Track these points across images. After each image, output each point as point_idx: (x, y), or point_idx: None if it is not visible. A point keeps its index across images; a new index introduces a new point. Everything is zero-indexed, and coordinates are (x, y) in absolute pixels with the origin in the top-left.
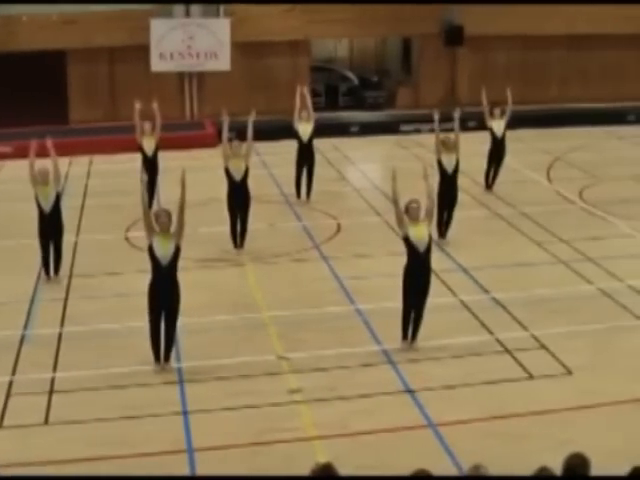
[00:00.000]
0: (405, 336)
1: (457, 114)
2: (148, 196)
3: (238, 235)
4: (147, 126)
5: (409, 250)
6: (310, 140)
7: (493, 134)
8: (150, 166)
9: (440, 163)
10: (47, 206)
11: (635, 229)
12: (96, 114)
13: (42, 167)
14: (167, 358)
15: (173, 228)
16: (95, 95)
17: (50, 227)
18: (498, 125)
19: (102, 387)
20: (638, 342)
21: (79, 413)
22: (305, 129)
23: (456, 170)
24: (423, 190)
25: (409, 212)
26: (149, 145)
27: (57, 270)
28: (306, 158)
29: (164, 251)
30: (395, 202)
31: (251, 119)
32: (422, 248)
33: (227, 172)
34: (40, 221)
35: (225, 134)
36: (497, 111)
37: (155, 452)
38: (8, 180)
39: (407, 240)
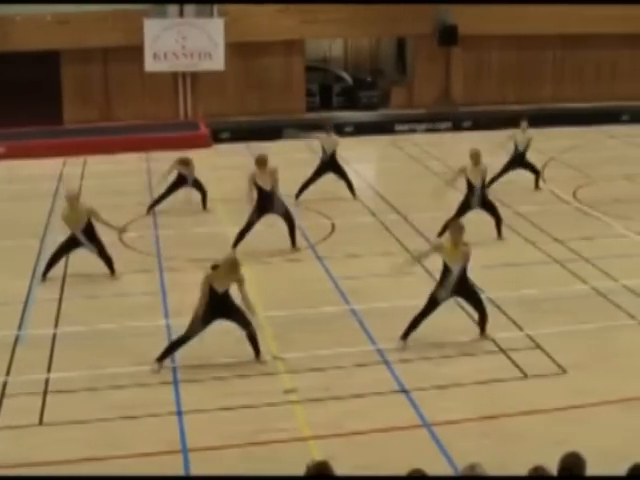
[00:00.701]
0: (406, 335)
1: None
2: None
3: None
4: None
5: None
6: (333, 154)
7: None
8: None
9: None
10: None
11: (629, 229)
12: (90, 114)
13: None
14: (258, 354)
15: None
16: (89, 95)
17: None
18: (522, 137)
19: (97, 387)
20: (632, 341)
21: (74, 414)
22: (330, 145)
23: (483, 182)
24: (416, 191)
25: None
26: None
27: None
28: (330, 169)
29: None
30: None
31: None
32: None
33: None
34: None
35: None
36: (524, 124)
37: (151, 452)
38: (1, 180)
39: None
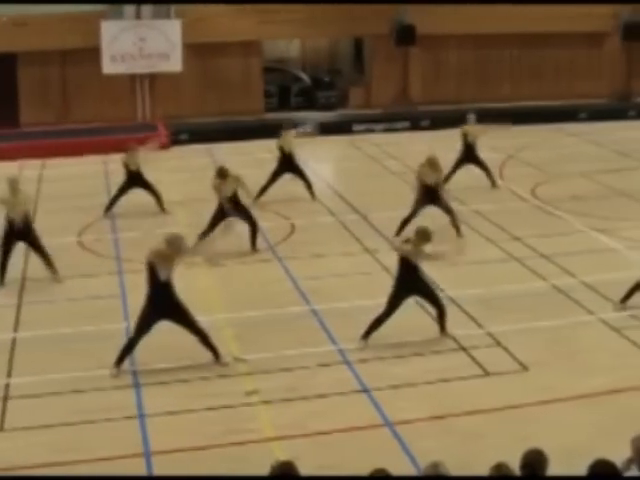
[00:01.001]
0: (367, 335)
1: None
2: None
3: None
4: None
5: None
6: (291, 154)
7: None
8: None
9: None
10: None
11: (587, 225)
12: (47, 117)
13: None
14: (217, 356)
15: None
16: (46, 98)
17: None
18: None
19: (58, 392)
20: (592, 337)
21: (35, 419)
22: (289, 144)
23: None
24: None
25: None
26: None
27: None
28: (288, 169)
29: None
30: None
31: None
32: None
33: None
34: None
35: None
36: (472, 116)
37: (114, 456)
38: None
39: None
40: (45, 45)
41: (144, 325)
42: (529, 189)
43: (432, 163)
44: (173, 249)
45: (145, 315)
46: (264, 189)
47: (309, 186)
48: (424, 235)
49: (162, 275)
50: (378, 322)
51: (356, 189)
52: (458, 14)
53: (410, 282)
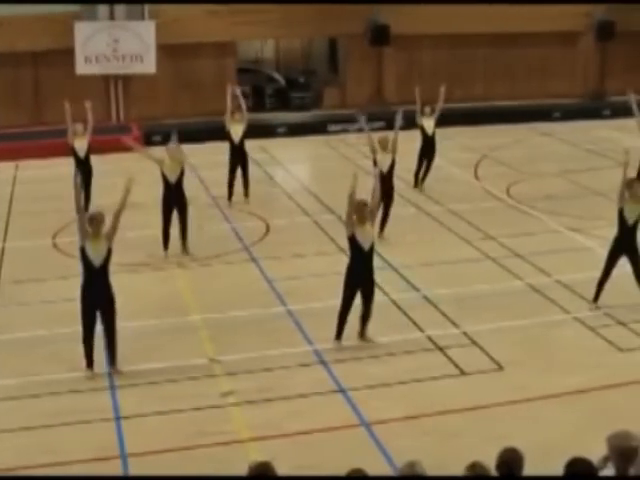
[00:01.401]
0: (339, 335)
1: (399, 115)
2: (83, 199)
3: (180, 238)
4: (79, 127)
5: (353, 249)
6: (242, 141)
7: (424, 132)
8: (83, 168)
9: (375, 162)
10: None
11: (562, 224)
12: (20, 119)
13: None
14: (113, 362)
15: (106, 230)
16: (19, 99)
17: None
18: (428, 123)
19: (31, 395)
20: (568, 336)
21: (9, 422)
22: (237, 130)
23: (392, 169)
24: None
25: (358, 212)
26: (81, 146)
27: None
28: (239, 159)
29: (97, 253)
30: (351, 201)
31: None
32: (367, 247)
33: (162, 175)
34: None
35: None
36: (427, 109)
37: (89, 459)
38: None
39: (353, 239)
40: (17, 46)
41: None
42: (504, 188)
43: (380, 142)
44: (95, 226)
45: (81, 305)
46: (230, 187)
47: (246, 183)
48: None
49: (94, 261)
50: (341, 318)
51: (331, 189)
52: (432, 14)
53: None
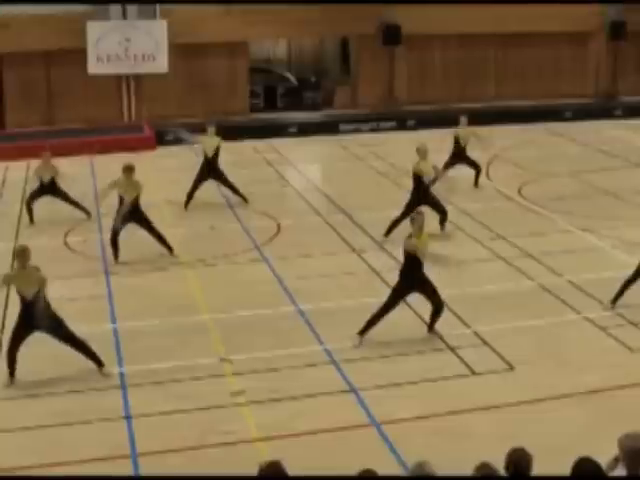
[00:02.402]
0: (364, 332)
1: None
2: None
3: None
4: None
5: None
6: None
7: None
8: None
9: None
10: None
11: (573, 225)
12: (33, 118)
13: None
14: (101, 363)
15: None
16: (32, 99)
17: None
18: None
19: (36, 395)
20: (578, 336)
21: (13, 421)
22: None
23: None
24: (362, 191)
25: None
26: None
27: None
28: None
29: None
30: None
31: None
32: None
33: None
34: None
35: None
36: (464, 119)
37: (97, 458)
38: None
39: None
40: (30, 46)
41: (15, 336)
42: (515, 189)
43: (420, 151)
44: (22, 262)
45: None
46: (190, 197)
47: (234, 190)
48: (418, 222)
49: (27, 295)
50: (377, 317)
51: (342, 189)
52: (444, 14)
53: (413, 278)
